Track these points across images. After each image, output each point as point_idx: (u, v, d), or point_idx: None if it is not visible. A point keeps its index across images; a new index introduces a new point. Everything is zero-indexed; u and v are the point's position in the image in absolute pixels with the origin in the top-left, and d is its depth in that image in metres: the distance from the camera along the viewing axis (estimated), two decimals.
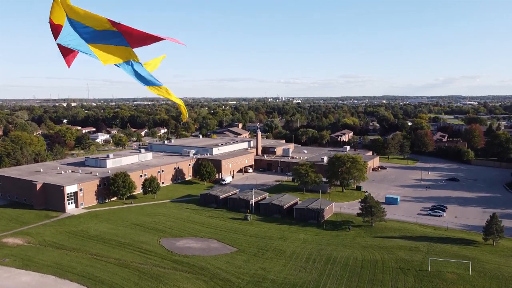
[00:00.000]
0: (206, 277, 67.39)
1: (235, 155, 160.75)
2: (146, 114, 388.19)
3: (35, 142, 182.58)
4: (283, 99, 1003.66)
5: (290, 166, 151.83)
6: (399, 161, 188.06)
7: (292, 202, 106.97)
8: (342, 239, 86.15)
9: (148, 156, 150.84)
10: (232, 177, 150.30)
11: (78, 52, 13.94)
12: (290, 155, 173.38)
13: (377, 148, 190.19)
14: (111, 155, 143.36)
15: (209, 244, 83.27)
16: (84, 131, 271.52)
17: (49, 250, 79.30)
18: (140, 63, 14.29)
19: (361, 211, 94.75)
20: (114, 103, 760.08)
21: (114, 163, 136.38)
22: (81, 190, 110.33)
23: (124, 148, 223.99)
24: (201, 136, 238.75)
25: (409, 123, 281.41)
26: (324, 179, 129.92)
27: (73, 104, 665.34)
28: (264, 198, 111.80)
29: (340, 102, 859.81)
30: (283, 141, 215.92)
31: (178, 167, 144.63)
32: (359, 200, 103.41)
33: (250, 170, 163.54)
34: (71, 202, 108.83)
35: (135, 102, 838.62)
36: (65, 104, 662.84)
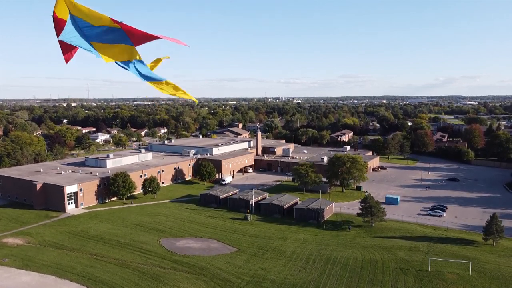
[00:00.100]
0: (206, 277, 67.39)
1: (235, 155, 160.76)
2: (146, 114, 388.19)
3: (35, 142, 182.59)
4: (283, 99, 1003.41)
5: (290, 166, 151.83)
6: (399, 161, 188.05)
7: (292, 202, 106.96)
8: (342, 239, 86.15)
9: (148, 156, 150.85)
10: (232, 177, 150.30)
11: (78, 49, 13.98)
12: (290, 155, 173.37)
13: (377, 148, 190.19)
14: (111, 155, 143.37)
15: (209, 244, 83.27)
16: (84, 131, 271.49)
17: (49, 250, 79.32)
18: (142, 61, 14.36)
19: (361, 211, 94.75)
20: (114, 103, 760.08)
21: (114, 163, 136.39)
22: (81, 190, 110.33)
23: (124, 148, 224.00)
24: (201, 136, 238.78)
25: (409, 123, 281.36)
26: (324, 179, 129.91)
27: (73, 104, 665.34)
28: (264, 198, 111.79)
29: (340, 102, 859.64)
30: (283, 141, 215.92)
31: (178, 167, 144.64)
32: (359, 200, 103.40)
33: (250, 170, 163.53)
34: (71, 202, 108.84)
35: (135, 102, 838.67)
36: (65, 104, 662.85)
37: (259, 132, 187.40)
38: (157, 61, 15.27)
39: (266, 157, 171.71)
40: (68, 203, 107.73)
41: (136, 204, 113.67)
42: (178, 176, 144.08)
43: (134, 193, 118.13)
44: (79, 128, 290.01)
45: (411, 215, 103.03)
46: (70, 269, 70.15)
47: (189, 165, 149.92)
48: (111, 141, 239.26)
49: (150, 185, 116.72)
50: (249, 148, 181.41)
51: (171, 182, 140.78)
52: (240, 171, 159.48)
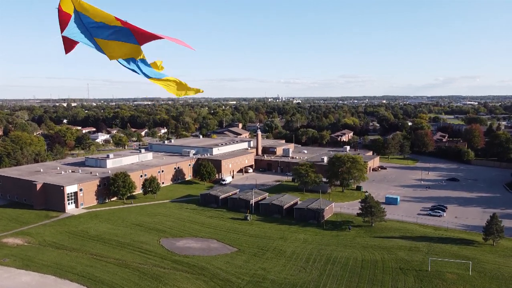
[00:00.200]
0: (206, 277, 67.39)
1: (235, 155, 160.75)
2: (146, 114, 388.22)
3: (35, 142, 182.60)
4: (283, 99, 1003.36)
5: (290, 166, 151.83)
6: (399, 161, 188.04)
7: (292, 202, 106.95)
8: (342, 239, 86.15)
9: (148, 156, 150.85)
10: (232, 177, 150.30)
11: (78, 42, 14.02)
12: (290, 155, 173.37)
13: (377, 148, 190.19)
14: (111, 155, 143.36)
15: (209, 244, 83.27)
16: (84, 131, 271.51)
17: (49, 250, 79.32)
18: (145, 60, 14.44)
19: (361, 211, 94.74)
20: (114, 103, 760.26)
21: (114, 163, 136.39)
22: (81, 190, 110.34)
23: (124, 148, 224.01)
24: (201, 136, 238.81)
25: (409, 123, 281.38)
26: (324, 179, 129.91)
27: (73, 104, 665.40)
28: (264, 198, 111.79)
29: (340, 102, 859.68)
30: (283, 141, 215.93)
31: (178, 167, 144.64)
32: (359, 200, 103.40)
33: (250, 170, 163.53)
34: (71, 202, 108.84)
35: (135, 102, 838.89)
36: (65, 104, 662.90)
37: (259, 132, 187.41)
38: (154, 64, 15.32)
39: (266, 157, 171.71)
40: (68, 203, 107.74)
41: (136, 204, 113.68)
42: (178, 176, 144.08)
43: (134, 193, 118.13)
44: (79, 128, 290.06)
45: (411, 215, 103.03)
46: (70, 269, 70.16)
47: (189, 165, 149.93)
48: (111, 141, 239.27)
49: (150, 185, 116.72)
50: (249, 148, 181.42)
51: (171, 182, 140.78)
52: (240, 171, 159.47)
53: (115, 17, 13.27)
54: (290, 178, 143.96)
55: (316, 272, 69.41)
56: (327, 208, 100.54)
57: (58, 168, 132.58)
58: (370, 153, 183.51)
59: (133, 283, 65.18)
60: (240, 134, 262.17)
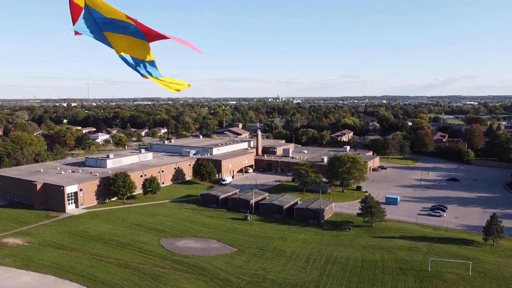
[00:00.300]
0: (206, 277, 67.41)
1: (235, 155, 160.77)
2: (146, 114, 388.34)
3: (35, 142, 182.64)
4: (283, 99, 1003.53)
5: (290, 166, 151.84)
6: (399, 161, 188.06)
7: (292, 202, 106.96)
8: (342, 239, 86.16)
9: (148, 156, 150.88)
10: (232, 177, 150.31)
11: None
12: (290, 155, 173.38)
13: (377, 148, 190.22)
14: (111, 155, 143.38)
15: (209, 244, 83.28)
16: (84, 131, 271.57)
17: (49, 250, 79.34)
18: (154, 63, 14.51)
19: (361, 211, 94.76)
20: (114, 103, 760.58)
21: (114, 163, 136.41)
22: (81, 190, 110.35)
23: (124, 148, 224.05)
24: (201, 136, 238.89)
25: (409, 123, 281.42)
26: (324, 179, 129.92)
27: (73, 104, 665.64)
28: (264, 198, 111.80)
29: (340, 102, 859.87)
30: (283, 141, 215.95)
31: (178, 167, 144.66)
32: (359, 200, 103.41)
33: (250, 170, 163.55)
34: (71, 202, 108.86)
35: (135, 102, 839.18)
36: (65, 104, 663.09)
37: (259, 132, 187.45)
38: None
39: (266, 157, 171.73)
40: (68, 203, 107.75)
41: (136, 204, 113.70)
42: (178, 176, 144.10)
43: (134, 193, 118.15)
44: (79, 128, 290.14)
45: (411, 215, 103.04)
46: (70, 269, 70.18)
47: (189, 165, 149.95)
48: (111, 141, 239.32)
49: (150, 185, 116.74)
50: (249, 148, 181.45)
51: (171, 182, 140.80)
52: (240, 171, 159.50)
53: (126, 15, 13.40)
54: (290, 178, 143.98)
55: (316, 272, 69.43)
56: (327, 208, 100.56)
57: (58, 168, 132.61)
58: (370, 153, 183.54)
59: (133, 283, 65.20)
60: (240, 134, 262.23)
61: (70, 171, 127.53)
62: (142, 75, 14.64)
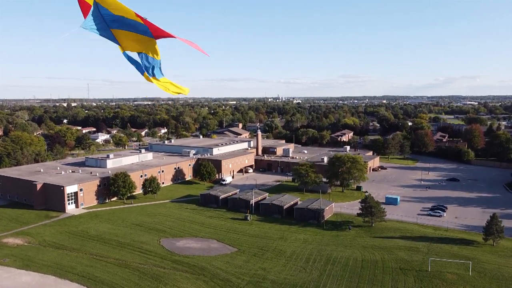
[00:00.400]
0: (206, 277, 67.43)
1: (235, 155, 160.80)
2: (146, 114, 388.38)
3: (35, 142, 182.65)
4: (283, 99, 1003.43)
5: (290, 166, 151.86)
6: (399, 161, 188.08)
7: (292, 202, 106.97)
8: (342, 239, 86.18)
9: (148, 156, 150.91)
10: (232, 177, 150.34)
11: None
12: (290, 155, 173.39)
13: (377, 148, 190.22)
14: (111, 155, 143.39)
15: (209, 244, 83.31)
16: (84, 131, 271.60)
17: (49, 250, 79.36)
18: (159, 62, 14.55)
19: (361, 211, 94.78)
20: (114, 103, 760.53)
21: (114, 163, 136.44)
22: (81, 190, 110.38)
23: (124, 148, 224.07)
24: (201, 136, 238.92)
25: (409, 123, 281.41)
26: (324, 179, 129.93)
27: (73, 104, 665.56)
28: (264, 198, 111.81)
29: (340, 102, 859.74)
30: (283, 141, 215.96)
31: (178, 167, 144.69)
32: (359, 200, 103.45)
33: (250, 170, 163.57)
34: (71, 202, 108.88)
35: (135, 102, 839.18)
36: (65, 104, 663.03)
37: (259, 132, 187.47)
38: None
39: (266, 157, 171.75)
40: (68, 203, 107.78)
41: (136, 204, 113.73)
42: (178, 176, 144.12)
43: (134, 193, 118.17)
44: (79, 128, 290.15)
45: (411, 215, 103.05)
46: (70, 269, 70.20)
47: (189, 165, 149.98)
48: (111, 141, 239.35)
49: (150, 185, 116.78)
50: (249, 148, 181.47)
51: (171, 182, 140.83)
52: (240, 171, 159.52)
53: (136, 13, 13.46)
54: (290, 178, 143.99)
55: (316, 272, 69.45)
56: (327, 208, 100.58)
57: (58, 168, 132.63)
58: (370, 153, 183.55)
59: (133, 283, 65.22)
60: (240, 134, 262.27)
61: (70, 171, 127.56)
62: (143, 74, 14.67)
